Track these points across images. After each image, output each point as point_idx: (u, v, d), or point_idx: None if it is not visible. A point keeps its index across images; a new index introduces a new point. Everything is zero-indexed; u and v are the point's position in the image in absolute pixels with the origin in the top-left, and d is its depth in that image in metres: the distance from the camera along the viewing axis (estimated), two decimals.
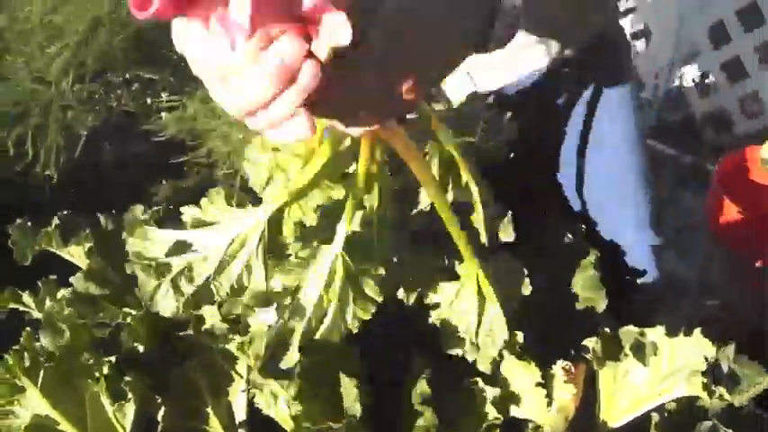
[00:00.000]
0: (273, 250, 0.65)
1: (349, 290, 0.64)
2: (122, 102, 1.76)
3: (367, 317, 0.64)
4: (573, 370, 0.68)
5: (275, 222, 0.64)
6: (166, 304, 0.64)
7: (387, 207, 0.67)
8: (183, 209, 0.67)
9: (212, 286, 0.64)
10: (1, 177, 1.55)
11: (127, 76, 1.64)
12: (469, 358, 0.71)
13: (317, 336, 0.64)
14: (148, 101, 1.74)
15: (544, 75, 1.09)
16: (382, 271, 0.64)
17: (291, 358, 0.65)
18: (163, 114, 1.68)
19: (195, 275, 0.64)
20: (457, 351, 0.71)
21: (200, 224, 0.65)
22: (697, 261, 2.08)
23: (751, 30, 2.19)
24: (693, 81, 2.48)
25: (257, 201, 0.77)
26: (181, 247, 0.64)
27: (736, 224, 1.58)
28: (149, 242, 0.65)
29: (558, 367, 0.69)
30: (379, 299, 0.64)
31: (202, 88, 1.82)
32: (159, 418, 0.75)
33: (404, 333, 0.75)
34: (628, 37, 1.27)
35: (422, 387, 0.69)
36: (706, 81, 2.47)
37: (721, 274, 1.75)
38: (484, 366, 0.71)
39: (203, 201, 0.69)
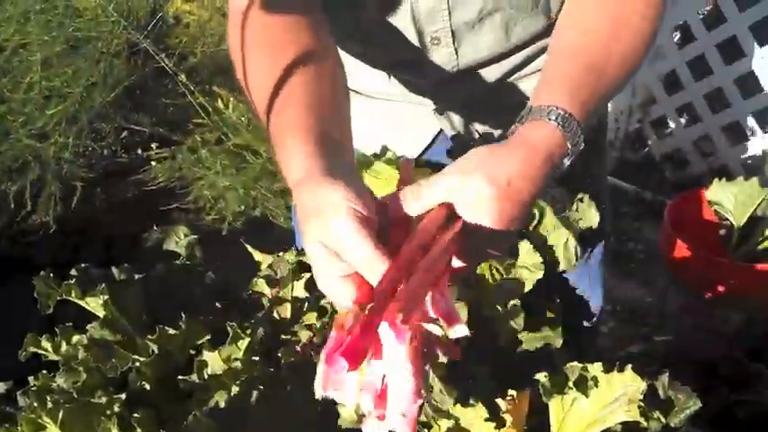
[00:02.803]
0: None
1: None
2: (115, 153, 1.86)
3: None
4: (515, 399, 0.78)
5: None
6: None
7: None
8: None
9: None
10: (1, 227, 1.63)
11: (121, 131, 1.73)
12: None
13: None
14: (139, 152, 1.84)
15: None
16: None
17: None
18: (153, 164, 1.79)
19: None
20: None
21: None
22: (656, 292, 2.21)
23: (701, 78, 2.36)
24: (651, 124, 2.64)
25: None
26: None
27: (687, 260, 1.70)
28: None
29: (502, 400, 0.78)
30: None
31: (190, 139, 1.95)
32: None
33: None
34: None
35: None
36: (663, 124, 2.63)
37: (677, 304, 1.87)
38: None
39: None
